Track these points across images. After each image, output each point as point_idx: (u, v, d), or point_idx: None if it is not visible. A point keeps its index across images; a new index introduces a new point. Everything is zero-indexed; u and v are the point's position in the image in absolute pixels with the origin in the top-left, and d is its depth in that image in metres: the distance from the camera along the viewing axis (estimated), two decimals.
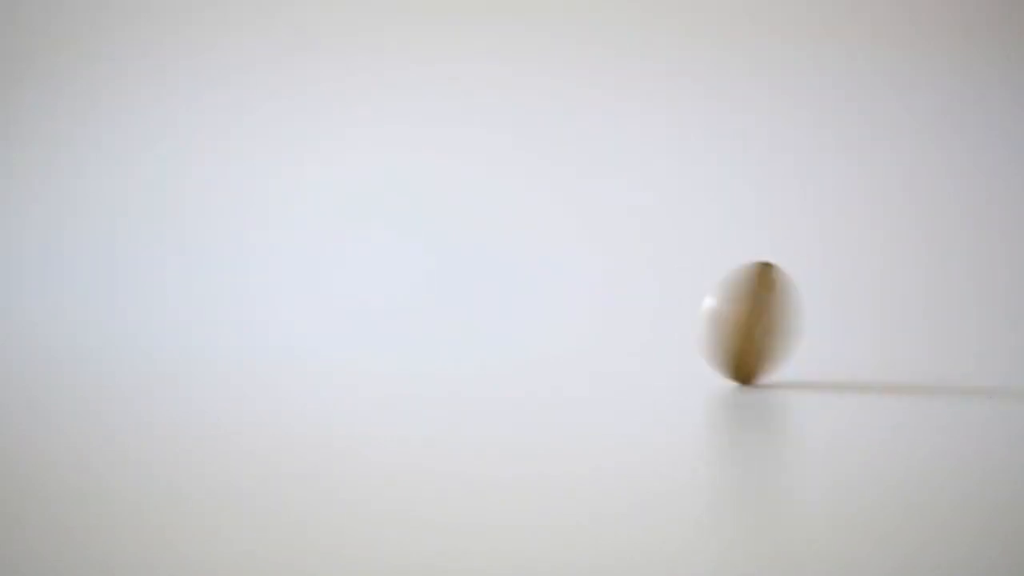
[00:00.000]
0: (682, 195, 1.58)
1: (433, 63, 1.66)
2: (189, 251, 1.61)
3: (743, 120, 1.59)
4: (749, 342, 1.04)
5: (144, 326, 1.45)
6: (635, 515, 0.59)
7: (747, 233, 1.55)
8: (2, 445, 0.74)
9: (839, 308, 1.46)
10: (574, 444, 0.77)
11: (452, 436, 0.79)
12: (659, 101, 1.61)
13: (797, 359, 1.25)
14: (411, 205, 1.61)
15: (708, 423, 0.86)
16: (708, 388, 1.04)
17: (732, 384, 1.06)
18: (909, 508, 0.61)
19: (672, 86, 1.61)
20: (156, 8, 1.74)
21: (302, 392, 0.98)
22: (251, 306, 1.51)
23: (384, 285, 1.54)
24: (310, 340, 1.35)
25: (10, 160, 1.73)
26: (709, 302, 1.05)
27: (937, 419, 0.89)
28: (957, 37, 1.57)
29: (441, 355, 1.25)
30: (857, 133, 1.58)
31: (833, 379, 1.11)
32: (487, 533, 0.55)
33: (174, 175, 1.68)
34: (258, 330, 1.42)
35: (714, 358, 1.05)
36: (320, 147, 1.67)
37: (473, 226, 1.59)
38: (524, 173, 1.62)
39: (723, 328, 1.04)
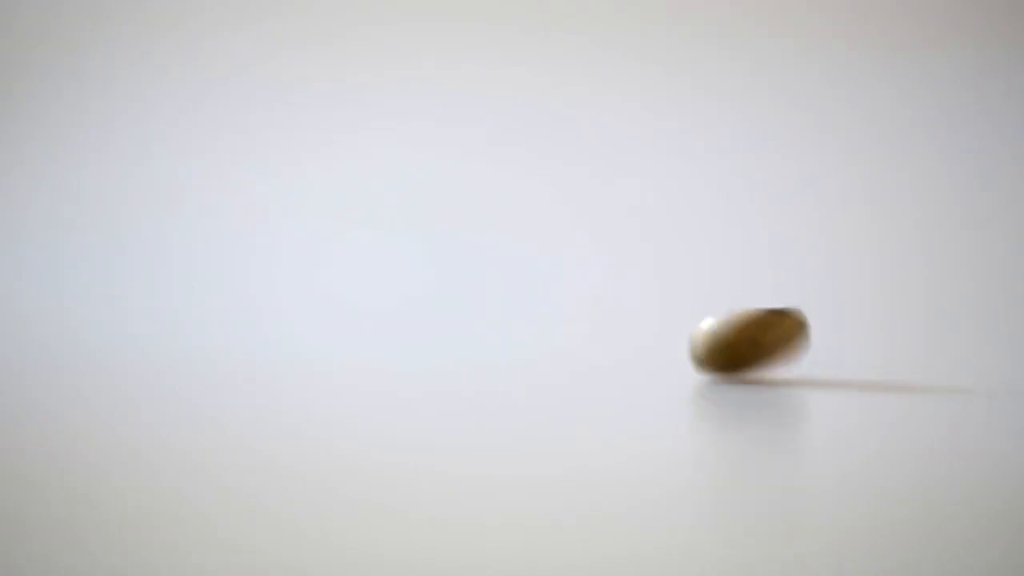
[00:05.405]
0: (683, 195, 1.58)
1: (433, 63, 1.66)
2: (189, 251, 1.61)
3: (743, 120, 1.59)
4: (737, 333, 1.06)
5: (144, 326, 1.45)
6: (636, 514, 0.59)
7: (747, 233, 1.55)
8: (2, 445, 0.74)
9: (839, 307, 1.46)
10: (574, 444, 0.77)
11: (452, 436, 0.79)
12: (659, 101, 1.61)
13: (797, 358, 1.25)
14: (411, 205, 1.62)
15: (710, 422, 0.86)
16: (710, 388, 1.04)
17: (730, 382, 1.06)
18: (908, 508, 0.61)
19: (672, 86, 1.61)
20: (156, 8, 1.74)
21: (302, 392, 0.98)
22: (251, 306, 1.51)
23: (384, 285, 1.54)
24: (310, 340, 1.35)
25: (10, 160, 1.73)
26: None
27: (937, 419, 0.89)
28: (957, 37, 1.57)
29: (441, 355, 1.25)
30: (857, 133, 1.58)
31: (834, 378, 1.11)
32: (487, 533, 0.55)
33: (174, 175, 1.68)
34: (258, 330, 1.42)
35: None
36: (320, 147, 1.67)
37: (473, 226, 1.59)
38: (524, 173, 1.62)
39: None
